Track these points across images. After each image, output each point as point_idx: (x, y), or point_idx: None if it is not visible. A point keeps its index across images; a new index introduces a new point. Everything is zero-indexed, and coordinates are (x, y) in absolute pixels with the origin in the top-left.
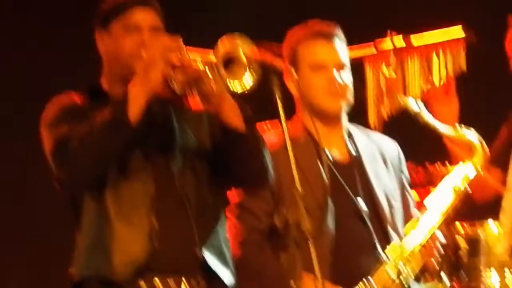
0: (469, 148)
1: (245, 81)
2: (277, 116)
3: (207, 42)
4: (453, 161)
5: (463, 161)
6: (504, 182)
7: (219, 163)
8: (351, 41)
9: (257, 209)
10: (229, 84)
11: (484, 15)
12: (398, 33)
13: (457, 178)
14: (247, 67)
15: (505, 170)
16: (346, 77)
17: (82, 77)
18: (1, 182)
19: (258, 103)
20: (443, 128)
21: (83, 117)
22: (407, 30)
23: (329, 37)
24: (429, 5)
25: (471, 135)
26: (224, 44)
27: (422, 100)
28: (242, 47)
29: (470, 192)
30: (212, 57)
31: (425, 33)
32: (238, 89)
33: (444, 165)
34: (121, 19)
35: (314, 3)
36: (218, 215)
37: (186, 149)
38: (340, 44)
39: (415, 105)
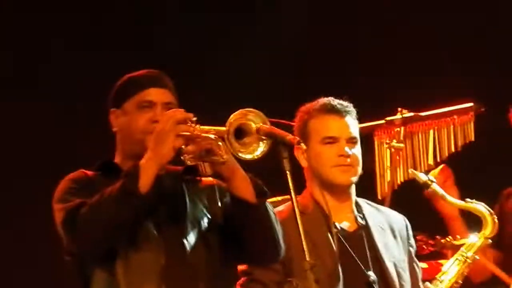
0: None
1: (256, 153)
2: (287, 190)
3: (219, 118)
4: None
5: (473, 232)
6: (498, 261)
7: (230, 236)
8: (362, 118)
9: (267, 279)
10: (239, 155)
11: (493, 92)
12: (409, 111)
13: (468, 248)
14: (258, 139)
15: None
16: (356, 151)
17: (95, 156)
18: (14, 257)
19: (268, 176)
20: (454, 200)
21: (94, 190)
22: (418, 108)
23: (341, 112)
24: (440, 83)
25: (481, 206)
26: (235, 116)
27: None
28: (253, 119)
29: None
30: (224, 129)
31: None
32: (248, 159)
33: (454, 238)
34: (136, 97)
35: (325, 82)
36: None
37: (197, 222)
38: (351, 119)
39: (424, 176)
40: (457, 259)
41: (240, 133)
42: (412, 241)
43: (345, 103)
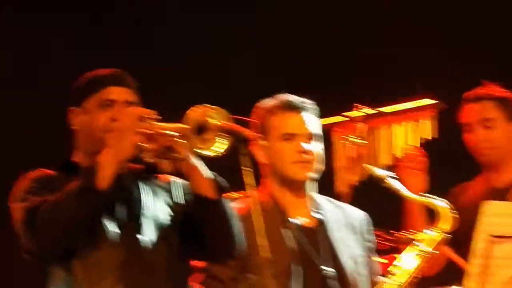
0: (435, 214)
1: (216, 149)
2: (246, 186)
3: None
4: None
5: (430, 227)
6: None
7: (191, 233)
8: (321, 115)
9: (224, 275)
10: (200, 151)
11: (451, 89)
12: (369, 107)
13: (424, 242)
14: (218, 135)
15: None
16: (315, 147)
17: (54, 155)
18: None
19: (228, 173)
20: (410, 194)
21: (55, 189)
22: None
23: (299, 108)
24: (399, 80)
25: (438, 201)
26: (196, 112)
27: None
28: (213, 115)
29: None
30: (184, 126)
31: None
32: (209, 155)
33: (412, 233)
34: (97, 96)
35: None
36: (184, 284)
37: (158, 220)
38: (310, 115)
39: (380, 171)
40: (417, 254)
41: (201, 129)
42: (372, 236)
43: (304, 99)
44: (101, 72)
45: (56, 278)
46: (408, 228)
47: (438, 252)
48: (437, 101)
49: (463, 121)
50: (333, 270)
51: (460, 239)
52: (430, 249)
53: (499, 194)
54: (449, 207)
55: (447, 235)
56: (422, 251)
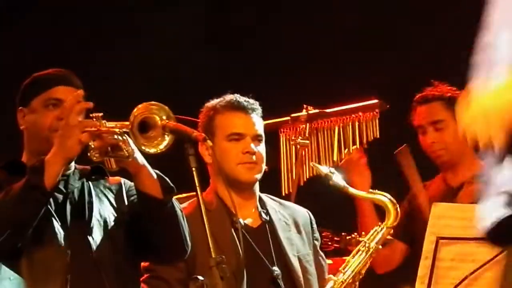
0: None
1: (160, 146)
2: (192, 186)
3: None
4: (359, 231)
5: (377, 225)
6: (406, 254)
7: (137, 233)
8: (268, 116)
9: (169, 276)
10: (143, 149)
11: (396, 91)
12: (315, 108)
13: (371, 239)
14: (162, 133)
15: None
16: (261, 148)
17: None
18: None
19: (173, 173)
20: (356, 191)
21: (0, 189)
22: (323, 106)
23: (247, 109)
24: (345, 83)
25: (383, 197)
26: (139, 110)
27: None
28: (156, 112)
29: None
30: (128, 123)
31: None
32: (153, 152)
33: (360, 234)
34: (43, 95)
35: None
36: (134, 286)
37: (103, 220)
38: (256, 116)
39: (326, 169)
40: (359, 249)
41: (145, 127)
42: (317, 234)
43: (251, 100)
44: (47, 72)
45: (1, 277)
46: (362, 227)
47: (381, 247)
48: (380, 101)
49: (415, 124)
50: (280, 270)
51: (417, 238)
52: (375, 244)
53: (454, 193)
54: (393, 202)
55: (391, 230)
56: (367, 246)
